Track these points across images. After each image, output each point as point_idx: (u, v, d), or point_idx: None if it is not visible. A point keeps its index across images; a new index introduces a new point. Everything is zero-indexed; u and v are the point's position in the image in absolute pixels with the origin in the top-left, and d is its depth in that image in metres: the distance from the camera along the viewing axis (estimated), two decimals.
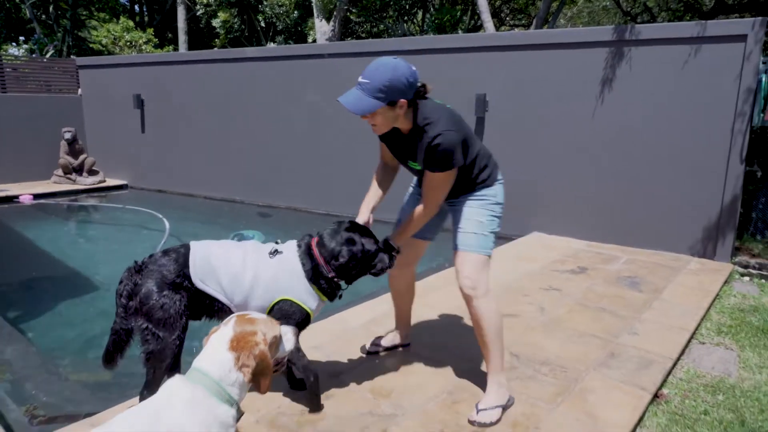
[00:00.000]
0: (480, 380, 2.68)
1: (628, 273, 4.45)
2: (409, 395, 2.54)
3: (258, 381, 1.48)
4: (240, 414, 1.46)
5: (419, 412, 2.40)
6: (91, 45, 15.21)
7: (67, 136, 9.35)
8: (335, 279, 2.29)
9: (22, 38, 16.14)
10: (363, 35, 16.92)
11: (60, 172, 9.50)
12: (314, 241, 2.31)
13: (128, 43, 13.82)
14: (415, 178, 2.71)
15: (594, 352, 3.02)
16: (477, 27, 15.37)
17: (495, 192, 2.50)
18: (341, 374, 2.74)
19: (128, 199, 8.88)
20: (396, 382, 2.65)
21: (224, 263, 2.17)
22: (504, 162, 5.75)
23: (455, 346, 3.08)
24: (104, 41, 14.09)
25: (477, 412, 2.33)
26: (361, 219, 2.45)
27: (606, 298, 3.88)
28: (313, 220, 7.23)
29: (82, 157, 9.56)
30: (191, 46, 16.29)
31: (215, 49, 8.36)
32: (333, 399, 2.50)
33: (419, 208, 2.42)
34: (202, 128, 8.58)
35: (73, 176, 9.49)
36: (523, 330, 3.32)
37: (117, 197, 9.16)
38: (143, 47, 13.90)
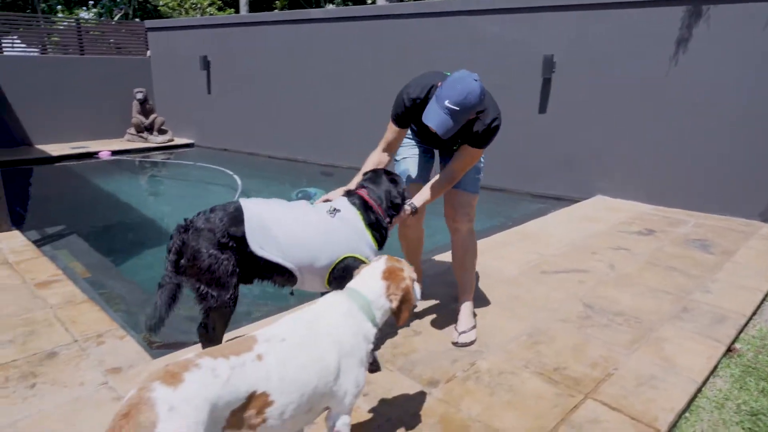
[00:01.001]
0: (557, 326, 2.85)
1: (697, 236, 4.46)
2: (491, 336, 2.73)
3: (399, 312, 1.66)
4: (377, 337, 1.67)
5: (502, 351, 2.60)
6: (156, 8, 15.64)
7: (139, 96, 9.81)
8: (389, 225, 2.36)
9: (91, 2, 16.75)
10: None
11: (132, 130, 10.02)
12: (365, 193, 2.32)
13: (192, 6, 14.13)
14: (408, 145, 2.91)
15: (667, 306, 3.12)
16: None
17: None
18: (424, 316, 2.96)
19: (195, 157, 9.31)
20: (478, 325, 2.84)
21: (285, 230, 2.10)
22: (568, 123, 5.83)
23: (529, 297, 3.24)
24: (170, 4, 14.46)
25: (459, 335, 2.66)
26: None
27: (676, 258, 3.93)
28: None
29: (152, 116, 10.03)
30: (252, 8, 16.48)
31: (276, 11, 8.49)
32: (421, 336, 2.73)
33: (445, 177, 2.57)
34: (265, 88, 8.84)
35: (145, 134, 9.99)
36: (594, 284, 3.44)
37: (184, 155, 9.62)
38: (207, 9, 14.19)
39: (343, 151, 7.99)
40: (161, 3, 14.85)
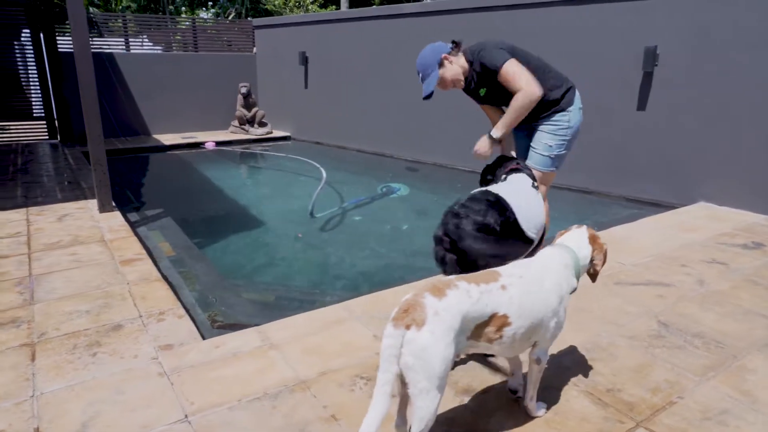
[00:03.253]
0: (621, 343, 2.60)
1: None
2: None
3: (596, 273, 2.03)
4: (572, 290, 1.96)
5: (552, 364, 2.40)
6: (265, 7, 16.54)
7: (243, 90, 10.41)
8: None
9: (210, 2, 18.09)
10: None
11: (236, 122, 10.66)
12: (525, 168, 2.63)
13: (297, 4, 14.74)
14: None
15: (760, 332, 2.73)
16: None
17: (569, 118, 2.89)
18: None
19: (290, 149, 9.72)
20: None
21: (532, 212, 2.33)
22: (671, 122, 5.30)
23: (597, 309, 2.99)
24: (277, 2, 15.21)
25: None
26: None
27: None
28: (457, 175, 7.30)
29: (254, 109, 10.60)
30: (352, 4, 16.91)
31: (374, 6, 8.60)
32: None
33: (516, 95, 2.68)
34: (358, 84, 8.98)
35: (246, 127, 10.59)
36: (675, 300, 3.09)
37: (281, 147, 10.06)
38: (309, 7, 14.74)
39: (429, 149, 7.92)
40: (268, 2, 15.67)
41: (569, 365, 2.40)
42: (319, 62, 9.70)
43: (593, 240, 2.01)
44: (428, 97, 2.84)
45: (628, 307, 3.01)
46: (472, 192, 2.35)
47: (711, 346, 2.58)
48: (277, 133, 10.68)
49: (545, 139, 2.90)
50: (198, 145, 9.73)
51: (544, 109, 2.85)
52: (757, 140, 4.80)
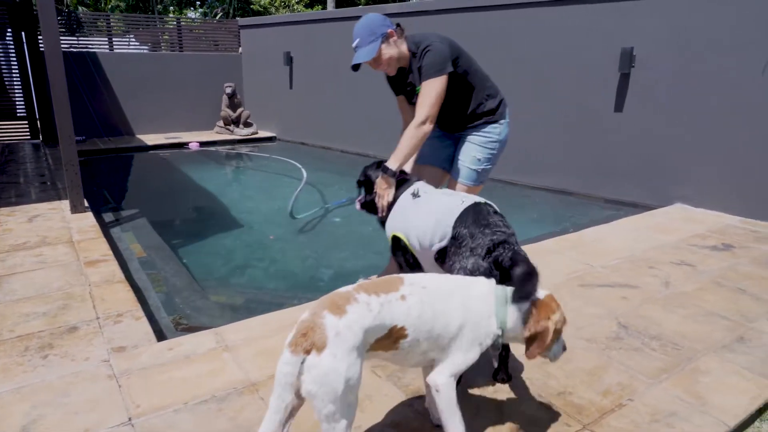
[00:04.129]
0: (578, 346, 2.60)
1: None
2: None
3: (528, 343, 1.72)
4: (496, 344, 1.75)
5: (509, 369, 2.40)
6: (252, 6, 16.50)
7: (228, 90, 10.37)
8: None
9: (198, 2, 18.03)
10: None
11: (221, 123, 10.62)
12: None
13: (283, 3, 14.70)
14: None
15: (719, 333, 2.73)
16: None
17: (500, 131, 2.84)
18: None
19: (275, 150, 9.68)
20: None
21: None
22: (648, 124, 5.31)
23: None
24: (263, 2, 15.16)
25: None
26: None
27: (750, 279, 3.43)
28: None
29: (239, 110, 10.56)
30: (338, 4, 16.88)
31: (360, 6, 8.58)
32: None
33: (411, 124, 2.61)
34: (342, 84, 8.97)
35: (231, 127, 10.55)
36: (639, 302, 3.09)
37: (266, 147, 10.03)
38: (296, 7, 14.71)
39: None
40: (255, 2, 15.63)
41: (523, 368, 2.40)
42: (303, 62, 9.68)
43: (541, 306, 1.74)
44: (356, 67, 2.73)
45: (591, 309, 3.00)
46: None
47: (668, 348, 2.57)
48: (262, 134, 10.64)
49: (474, 152, 2.81)
50: (182, 146, 9.68)
51: (477, 118, 2.80)
52: (734, 142, 4.82)
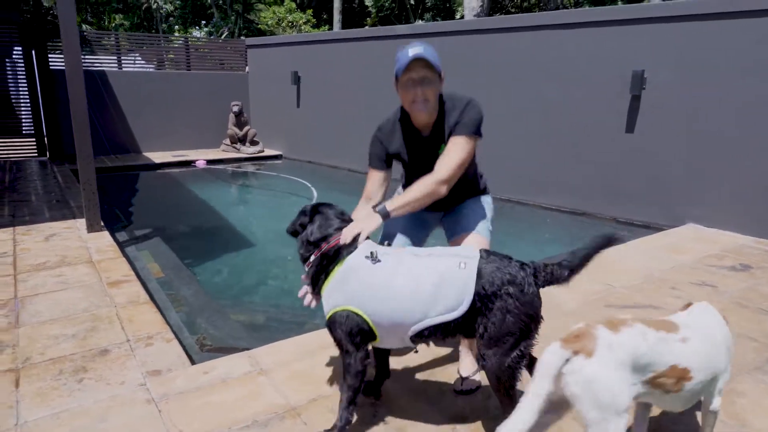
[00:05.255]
0: None
1: None
2: None
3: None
4: None
5: None
6: (258, 26, 16.68)
7: (235, 109, 10.43)
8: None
9: (203, 22, 18.23)
10: (512, 10, 16.35)
11: (227, 141, 10.67)
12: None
13: (290, 24, 14.89)
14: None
15: (750, 355, 2.74)
16: None
17: (491, 201, 2.62)
18: None
19: (282, 169, 9.72)
20: None
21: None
22: (659, 144, 5.38)
23: None
24: (269, 22, 15.34)
25: (462, 382, 2.38)
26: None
27: None
28: None
29: (246, 128, 10.62)
30: (345, 25, 17.10)
31: (367, 27, 8.71)
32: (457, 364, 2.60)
33: (429, 176, 2.19)
34: (350, 104, 9.05)
35: (238, 145, 10.60)
36: None
37: (273, 166, 10.07)
38: (302, 27, 14.89)
39: None
40: (261, 22, 15.82)
41: None
42: (311, 82, 9.77)
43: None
44: (417, 62, 2.19)
45: None
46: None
47: None
48: (268, 152, 10.69)
49: (483, 212, 2.50)
50: (189, 164, 9.71)
51: (474, 191, 2.56)
52: (745, 163, 4.88)
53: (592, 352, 1.49)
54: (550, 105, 6.27)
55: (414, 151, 2.40)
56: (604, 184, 5.94)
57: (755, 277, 3.87)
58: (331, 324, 1.95)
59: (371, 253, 1.95)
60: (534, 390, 1.51)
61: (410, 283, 1.87)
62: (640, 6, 5.58)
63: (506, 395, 1.92)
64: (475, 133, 2.28)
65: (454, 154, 2.23)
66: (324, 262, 1.99)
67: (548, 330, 2.96)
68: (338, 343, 1.97)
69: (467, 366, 2.43)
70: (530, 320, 1.87)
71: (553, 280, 1.90)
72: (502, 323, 1.83)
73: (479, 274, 1.84)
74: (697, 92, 5.11)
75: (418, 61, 2.18)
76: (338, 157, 9.43)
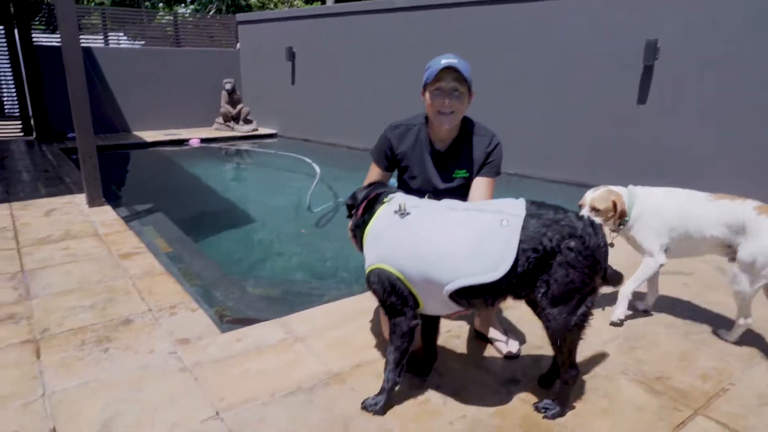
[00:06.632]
0: (659, 331, 2.53)
1: None
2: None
3: None
4: None
5: (595, 353, 2.31)
6: (248, 3, 16.22)
7: (228, 86, 10.15)
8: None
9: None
10: None
11: (220, 119, 10.40)
12: None
13: (281, 0, 14.48)
14: None
15: None
16: None
17: None
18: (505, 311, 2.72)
19: (277, 147, 9.49)
20: None
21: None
22: (672, 117, 5.29)
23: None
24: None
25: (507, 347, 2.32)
26: None
27: None
28: None
29: (239, 106, 10.35)
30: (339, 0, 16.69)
31: (362, 1, 8.49)
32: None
33: None
34: (348, 80, 8.84)
35: (231, 124, 10.33)
36: (701, 288, 3.05)
37: (268, 144, 9.83)
38: (295, 3, 14.50)
39: None
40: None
41: (612, 353, 2.31)
42: (306, 58, 9.52)
43: None
44: (448, 71, 2.09)
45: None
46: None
47: (750, 333, 2.51)
48: (263, 130, 10.44)
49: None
50: (182, 142, 9.44)
51: None
52: (759, 133, 4.83)
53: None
54: (561, 75, 6.15)
55: (421, 161, 2.30)
56: (613, 157, 5.87)
57: None
58: (368, 283, 1.89)
59: (399, 206, 1.87)
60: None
61: (440, 238, 1.76)
62: None
63: (569, 356, 1.84)
64: (498, 175, 2.31)
65: (487, 196, 2.24)
66: (363, 218, 1.99)
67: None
68: (381, 303, 1.89)
69: (498, 336, 2.35)
70: (595, 274, 1.76)
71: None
72: (565, 280, 1.71)
73: (530, 230, 1.69)
74: (711, 61, 5.03)
75: (451, 71, 2.10)
76: (336, 135, 9.23)
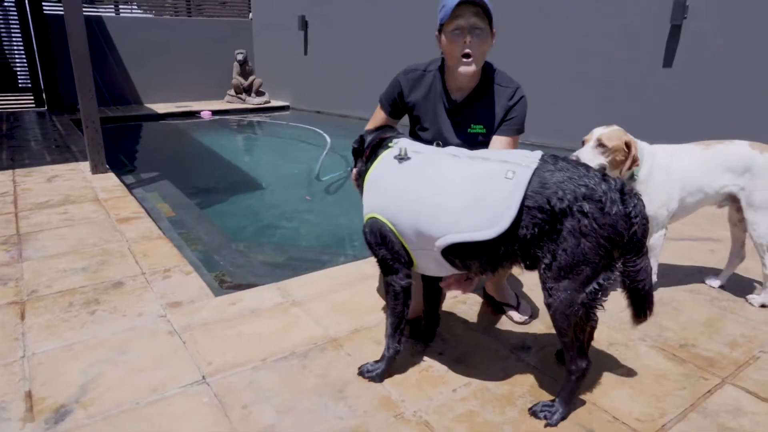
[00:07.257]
0: (683, 297, 2.34)
1: None
2: None
3: None
4: None
5: (613, 318, 2.14)
6: None
7: (239, 57, 9.97)
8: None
9: None
10: None
11: (232, 91, 10.24)
12: None
13: None
14: None
15: None
16: None
17: None
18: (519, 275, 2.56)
19: (289, 119, 9.32)
20: None
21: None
22: (700, 81, 4.99)
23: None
24: None
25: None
26: None
27: None
28: None
29: (251, 78, 10.17)
30: None
31: None
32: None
33: None
34: (361, 49, 8.59)
35: (243, 96, 10.17)
36: (728, 255, 2.83)
37: (280, 116, 9.67)
38: None
39: None
40: None
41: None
42: (319, 28, 9.27)
43: None
44: (460, 6, 1.83)
45: (682, 262, 2.74)
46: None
47: None
48: (275, 103, 10.27)
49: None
50: (193, 114, 9.32)
51: None
52: None
53: None
54: (582, 36, 5.85)
55: (434, 113, 2.04)
56: (637, 121, 5.58)
57: None
58: (364, 235, 1.72)
59: (400, 150, 1.69)
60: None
61: (436, 188, 1.56)
62: None
63: (575, 341, 1.53)
64: (519, 132, 2.03)
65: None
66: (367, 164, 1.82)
67: None
68: (375, 257, 1.72)
69: (509, 300, 2.19)
70: (613, 247, 1.44)
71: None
72: (575, 250, 1.42)
73: (543, 185, 1.43)
74: (743, 21, 4.70)
75: (469, 5, 1.81)
76: (349, 106, 9.02)
